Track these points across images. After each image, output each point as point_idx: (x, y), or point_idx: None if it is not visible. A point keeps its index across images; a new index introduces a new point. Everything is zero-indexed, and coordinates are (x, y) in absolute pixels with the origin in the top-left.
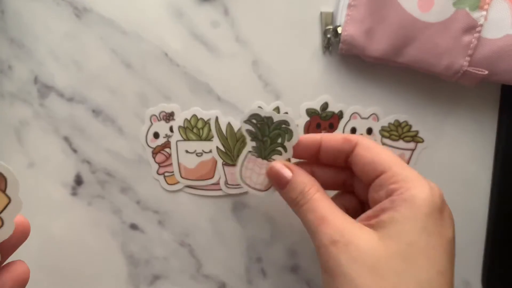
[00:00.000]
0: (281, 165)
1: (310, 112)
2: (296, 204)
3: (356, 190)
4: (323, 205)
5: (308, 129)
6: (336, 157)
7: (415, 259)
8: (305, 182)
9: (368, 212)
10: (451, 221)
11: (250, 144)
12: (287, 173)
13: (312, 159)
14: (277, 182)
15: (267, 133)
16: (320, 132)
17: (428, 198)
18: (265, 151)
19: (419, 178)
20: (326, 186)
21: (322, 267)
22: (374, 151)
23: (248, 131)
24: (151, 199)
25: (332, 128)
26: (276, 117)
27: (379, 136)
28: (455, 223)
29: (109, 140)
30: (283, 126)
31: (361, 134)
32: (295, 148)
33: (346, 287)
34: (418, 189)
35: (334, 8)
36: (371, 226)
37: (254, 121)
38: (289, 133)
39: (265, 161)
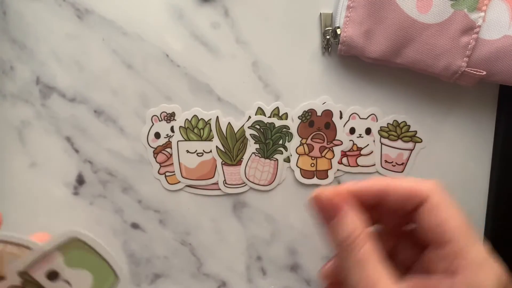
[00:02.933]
0: (331, 194)
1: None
2: (341, 247)
3: (412, 242)
4: (374, 265)
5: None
6: (400, 210)
7: None
8: (355, 223)
9: (419, 281)
10: None
11: (254, 146)
12: (338, 204)
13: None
14: (322, 212)
15: (270, 136)
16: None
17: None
18: (268, 151)
19: (487, 259)
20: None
21: None
22: (444, 214)
23: (252, 135)
24: (152, 199)
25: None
26: (278, 123)
27: (378, 136)
28: None
29: (111, 140)
30: (284, 130)
31: (360, 136)
32: (355, 199)
33: None
34: (484, 275)
35: (333, 10)
36: None
37: (257, 126)
38: (289, 135)
39: (267, 160)
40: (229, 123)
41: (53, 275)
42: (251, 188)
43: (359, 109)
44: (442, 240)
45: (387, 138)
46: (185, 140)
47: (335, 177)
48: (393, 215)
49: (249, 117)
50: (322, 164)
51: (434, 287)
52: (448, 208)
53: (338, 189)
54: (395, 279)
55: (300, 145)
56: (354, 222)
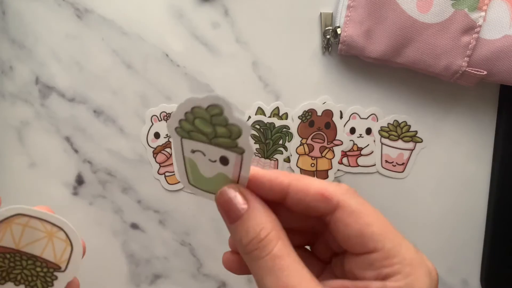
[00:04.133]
0: (235, 192)
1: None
2: (247, 253)
3: (327, 240)
4: (288, 267)
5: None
6: (308, 212)
7: None
8: (262, 223)
9: (346, 283)
10: None
11: (254, 146)
12: (240, 204)
13: (275, 201)
14: (225, 212)
15: (270, 136)
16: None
17: (429, 286)
18: (268, 151)
19: (417, 260)
20: (289, 230)
21: None
22: (362, 220)
23: (252, 135)
24: (152, 199)
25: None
26: (278, 123)
27: (378, 136)
28: (454, 223)
29: (110, 140)
30: (284, 130)
31: (361, 136)
32: (250, 184)
33: None
34: (417, 276)
35: (333, 9)
36: None
37: (257, 126)
38: (289, 135)
39: (267, 160)
40: None
41: None
42: None
43: (360, 109)
44: (366, 249)
45: (388, 138)
46: None
47: (335, 177)
48: (297, 217)
49: (249, 117)
50: (322, 164)
51: None
52: (366, 214)
53: (241, 187)
54: (317, 282)
55: (300, 145)
56: (259, 222)
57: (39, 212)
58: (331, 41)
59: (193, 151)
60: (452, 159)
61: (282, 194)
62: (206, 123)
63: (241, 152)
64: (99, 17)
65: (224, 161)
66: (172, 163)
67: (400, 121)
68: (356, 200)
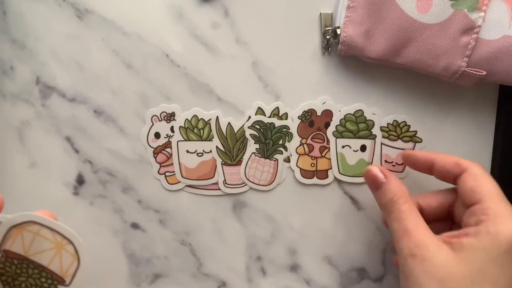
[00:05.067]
0: (378, 169)
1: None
2: (385, 209)
3: (455, 211)
4: (409, 217)
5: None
6: (446, 177)
7: (482, 284)
8: (395, 190)
9: (453, 232)
10: None
11: (254, 146)
12: (381, 177)
13: (424, 172)
14: (371, 184)
15: (270, 136)
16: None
17: (511, 236)
18: (268, 151)
19: (509, 215)
20: (428, 205)
21: (400, 271)
22: (478, 181)
23: (252, 135)
24: (152, 199)
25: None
26: (278, 123)
27: (380, 133)
28: None
29: (111, 140)
30: (284, 130)
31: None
32: (409, 160)
33: None
34: (504, 225)
35: (333, 9)
36: (449, 244)
37: (257, 126)
38: (289, 135)
39: (267, 160)
40: (229, 123)
41: None
42: (251, 188)
43: None
44: (474, 200)
45: (387, 138)
46: (185, 140)
47: (335, 177)
48: (431, 204)
49: (249, 117)
50: (322, 164)
51: (463, 233)
52: (482, 177)
53: (380, 166)
54: (428, 228)
55: (300, 145)
56: (393, 189)
57: (51, 222)
58: (330, 42)
59: (342, 147)
60: None
61: (430, 164)
62: (353, 123)
63: (374, 137)
64: (100, 18)
65: (363, 148)
66: (172, 163)
67: (399, 121)
68: (478, 168)
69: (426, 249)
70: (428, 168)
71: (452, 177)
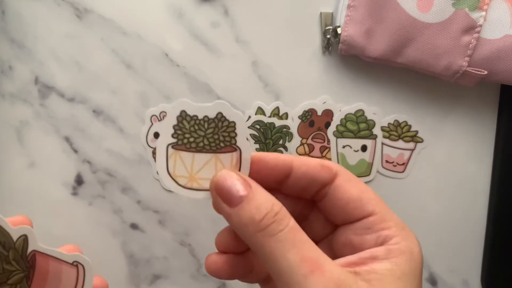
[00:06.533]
0: (232, 175)
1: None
2: (262, 229)
3: (312, 226)
4: (307, 241)
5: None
6: (307, 187)
7: None
8: (272, 201)
9: (350, 258)
10: None
11: (254, 146)
12: (239, 186)
13: (273, 185)
14: (225, 196)
15: (270, 136)
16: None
17: (421, 251)
18: (268, 151)
19: (405, 226)
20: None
21: None
22: (359, 187)
23: (252, 135)
24: (151, 199)
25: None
26: (278, 122)
27: (381, 133)
28: (454, 223)
29: (110, 140)
30: (284, 130)
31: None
32: (255, 167)
33: None
34: (412, 240)
35: (333, 9)
36: (357, 275)
37: (257, 126)
38: (289, 135)
39: None
40: None
41: None
42: None
43: None
44: (364, 213)
45: (388, 138)
46: None
47: None
48: (295, 194)
49: (249, 117)
50: None
51: (369, 257)
52: (360, 182)
53: (237, 172)
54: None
55: (300, 145)
56: (269, 199)
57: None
58: (331, 41)
59: (343, 147)
60: (453, 159)
61: (286, 170)
62: (353, 123)
63: (375, 137)
64: (99, 17)
65: (363, 148)
66: None
67: (400, 121)
68: (347, 170)
69: (349, 283)
70: (282, 176)
71: (317, 187)
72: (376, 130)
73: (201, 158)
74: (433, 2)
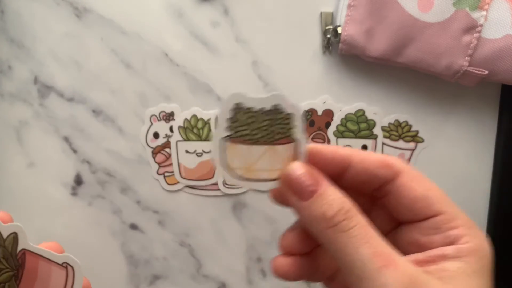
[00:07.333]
0: (303, 168)
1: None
2: (334, 225)
3: (375, 222)
4: (378, 236)
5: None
6: (367, 183)
7: None
8: (343, 198)
9: (418, 256)
10: None
11: (381, 133)
12: (310, 181)
13: (330, 178)
14: (296, 189)
15: None
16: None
17: (490, 249)
18: None
19: (473, 223)
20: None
21: None
22: (424, 185)
23: None
24: (151, 199)
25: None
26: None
27: (381, 133)
28: None
29: (109, 140)
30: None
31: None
32: (311, 159)
33: None
34: (481, 238)
35: (334, 8)
36: (428, 273)
37: None
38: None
39: None
40: None
41: None
42: (247, 190)
43: None
44: (431, 212)
45: (388, 138)
46: (184, 140)
47: None
48: (354, 188)
49: None
50: None
51: (439, 255)
52: (426, 179)
53: (308, 165)
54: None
55: None
56: (339, 197)
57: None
58: (331, 41)
59: (344, 147)
60: (454, 159)
61: (344, 165)
62: (353, 123)
63: (375, 137)
64: (98, 17)
65: (364, 148)
66: (171, 163)
67: (401, 121)
68: (412, 168)
69: (421, 279)
70: (340, 170)
71: (378, 183)
72: (377, 130)
73: (257, 150)
74: (433, 2)
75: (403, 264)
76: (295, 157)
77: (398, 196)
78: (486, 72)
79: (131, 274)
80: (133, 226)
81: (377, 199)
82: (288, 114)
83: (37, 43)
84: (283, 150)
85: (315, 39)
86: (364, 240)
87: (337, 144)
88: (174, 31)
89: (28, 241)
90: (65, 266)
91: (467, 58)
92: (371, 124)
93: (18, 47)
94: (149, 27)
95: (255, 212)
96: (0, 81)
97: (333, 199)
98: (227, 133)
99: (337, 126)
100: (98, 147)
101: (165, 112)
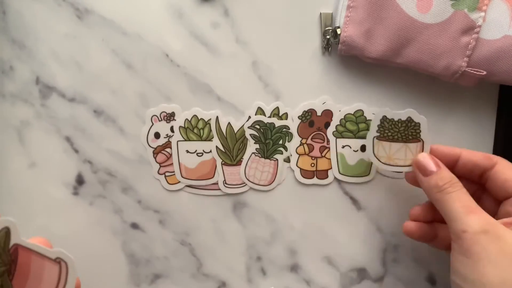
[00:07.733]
0: (428, 156)
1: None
2: (442, 190)
3: (484, 206)
4: (470, 199)
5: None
6: (472, 171)
7: None
8: (452, 175)
9: (508, 219)
10: None
11: (254, 146)
12: (432, 164)
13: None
14: (422, 169)
15: (270, 136)
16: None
17: None
18: (268, 151)
19: None
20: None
21: (463, 250)
22: None
23: (252, 135)
24: (152, 199)
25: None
26: (278, 123)
27: None
28: None
29: (110, 140)
30: (284, 130)
31: None
32: (433, 153)
33: (492, 273)
34: None
35: (333, 9)
36: (507, 225)
37: (257, 126)
38: (289, 135)
39: (267, 160)
40: (229, 123)
41: None
42: (251, 188)
43: None
44: None
45: None
46: (185, 140)
47: (335, 177)
48: (463, 175)
49: (249, 117)
50: (322, 164)
51: None
52: None
53: (430, 155)
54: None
55: (300, 145)
56: (450, 175)
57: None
58: (331, 41)
59: (343, 147)
60: None
61: (456, 157)
62: (353, 123)
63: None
64: (99, 17)
65: (363, 148)
66: (172, 163)
67: None
68: (506, 161)
69: (497, 226)
70: (452, 162)
71: (480, 170)
72: None
73: (396, 146)
74: (432, 3)
75: (485, 214)
76: (422, 151)
77: (495, 179)
78: (485, 72)
79: (132, 273)
80: (134, 226)
81: (484, 186)
82: (417, 123)
83: (39, 44)
84: (413, 146)
85: (315, 40)
86: (458, 199)
87: (336, 144)
88: (175, 32)
89: (21, 236)
90: (58, 261)
91: (466, 59)
92: (370, 125)
93: (19, 47)
94: (150, 28)
95: (255, 212)
96: (2, 82)
97: (444, 175)
98: (377, 134)
99: (336, 127)
100: (99, 147)
101: (166, 112)
